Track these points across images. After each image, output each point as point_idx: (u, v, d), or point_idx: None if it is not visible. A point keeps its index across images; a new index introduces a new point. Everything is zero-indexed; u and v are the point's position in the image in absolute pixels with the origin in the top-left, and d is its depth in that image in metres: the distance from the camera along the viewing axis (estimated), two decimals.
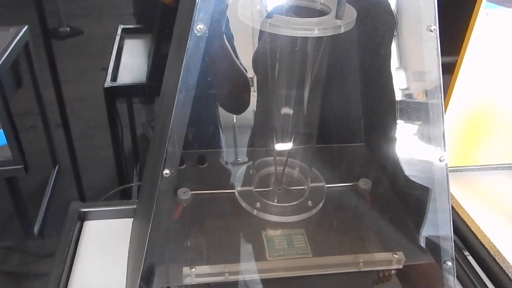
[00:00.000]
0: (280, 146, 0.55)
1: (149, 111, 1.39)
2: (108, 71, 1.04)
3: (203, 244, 0.50)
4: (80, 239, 0.64)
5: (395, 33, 0.48)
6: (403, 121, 0.52)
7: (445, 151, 0.46)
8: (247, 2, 0.43)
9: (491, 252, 0.62)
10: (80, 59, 1.73)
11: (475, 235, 0.66)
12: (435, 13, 0.40)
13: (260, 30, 0.43)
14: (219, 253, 0.49)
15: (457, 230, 0.67)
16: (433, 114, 0.45)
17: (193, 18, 0.36)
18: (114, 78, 1.02)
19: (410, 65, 0.48)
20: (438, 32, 0.41)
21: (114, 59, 1.07)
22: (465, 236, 0.67)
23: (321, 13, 0.45)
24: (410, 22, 0.46)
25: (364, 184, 0.59)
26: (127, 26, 1.18)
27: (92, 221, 0.68)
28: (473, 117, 0.75)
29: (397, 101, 0.53)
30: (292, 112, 0.51)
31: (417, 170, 0.51)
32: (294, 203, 0.55)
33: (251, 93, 0.59)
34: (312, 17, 0.43)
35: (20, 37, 1.05)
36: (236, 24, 0.50)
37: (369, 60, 0.55)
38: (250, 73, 0.58)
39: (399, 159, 0.52)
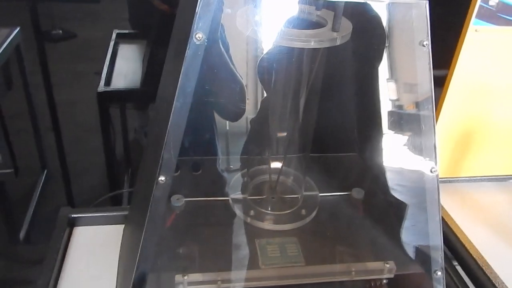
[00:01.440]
0: (274, 155, 0.55)
1: (142, 117, 1.38)
2: (102, 75, 1.03)
3: (196, 252, 0.49)
4: (69, 245, 0.63)
5: (386, 46, 0.49)
6: (395, 132, 0.53)
7: (436, 162, 0.47)
8: (245, 12, 0.43)
9: (479, 263, 0.63)
10: (73, 62, 1.71)
11: (464, 245, 0.67)
12: (427, 28, 0.41)
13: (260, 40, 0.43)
14: (212, 261, 0.49)
15: (446, 240, 0.68)
16: (425, 125, 0.46)
17: (192, 26, 0.36)
18: (107, 83, 1.02)
19: (402, 78, 0.49)
20: (430, 47, 0.42)
21: (108, 64, 1.07)
22: (454, 246, 0.68)
23: (317, 25, 0.46)
24: (402, 36, 0.47)
25: (357, 193, 0.59)
26: (122, 31, 1.17)
27: (82, 227, 0.67)
28: (463, 129, 0.77)
29: (388, 112, 0.54)
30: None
31: (408, 181, 0.51)
32: (288, 211, 0.55)
33: (246, 101, 0.60)
34: (309, 29, 0.44)
35: (11, 38, 1.04)
36: (232, 33, 0.51)
37: (363, 72, 0.56)
38: (245, 81, 0.59)
39: (391, 169, 0.53)
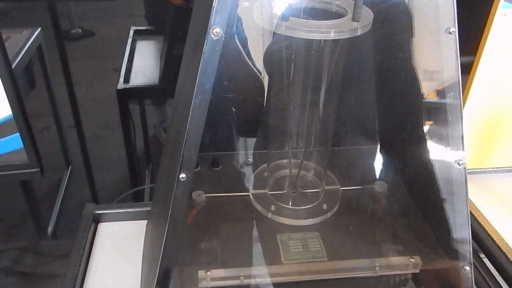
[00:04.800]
0: (295, 149, 0.55)
1: (161, 113, 1.40)
2: (121, 73, 1.04)
3: (218, 248, 0.49)
4: (94, 240, 0.65)
5: (409, 34, 0.47)
6: (420, 123, 0.51)
7: (463, 154, 0.45)
8: (262, 5, 0.43)
9: (509, 256, 0.61)
10: (92, 60, 1.74)
11: (492, 238, 0.65)
12: (454, 14, 0.40)
13: (274, 32, 0.42)
14: (234, 257, 0.49)
15: (473, 233, 0.66)
16: (452, 115, 0.44)
17: (209, 22, 0.36)
18: (126, 80, 1.03)
19: (427, 67, 0.47)
20: (457, 34, 0.40)
21: (126, 61, 1.08)
22: (481, 239, 0.66)
23: (337, 15, 0.44)
24: (427, 23, 0.45)
25: (379, 187, 0.58)
26: (139, 28, 1.18)
27: (106, 223, 0.68)
28: (489, 118, 0.74)
29: (413, 103, 0.53)
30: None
31: (434, 173, 0.50)
32: (309, 206, 0.54)
33: (265, 96, 0.59)
34: (328, 20, 0.43)
35: (34, 39, 1.06)
36: (251, 27, 0.50)
37: (384, 62, 0.54)
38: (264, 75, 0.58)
39: (416, 161, 0.52)
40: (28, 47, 1.03)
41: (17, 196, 1.19)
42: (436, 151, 0.48)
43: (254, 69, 0.56)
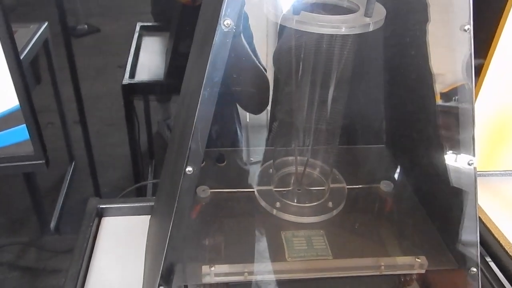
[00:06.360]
0: (301, 146, 0.54)
1: (165, 110, 1.40)
2: (126, 68, 1.04)
3: (222, 243, 0.49)
4: (97, 235, 0.65)
5: (421, 32, 0.47)
6: (429, 123, 0.51)
7: (474, 155, 0.44)
8: None
9: None
10: (98, 56, 1.74)
11: (499, 242, 0.64)
12: (469, 12, 0.39)
13: (284, 27, 0.42)
14: (238, 253, 0.49)
15: (479, 237, 0.65)
16: (463, 116, 0.44)
17: (221, 13, 0.35)
18: (132, 75, 1.03)
19: (440, 65, 0.47)
20: (472, 32, 0.39)
21: (132, 57, 1.08)
22: (488, 242, 0.65)
23: (349, 10, 0.44)
24: (440, 21, 0.45)
25: (385, 186, 0.58)
26: (145, 24, 1.18)
27: (110, 217, 0.68)
28: (498, 121, 0.73)
29: (422, 102, 0.52)
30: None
31: (442, 174, 0.49)
32: (314, 203, 0.54)
33: (270, 92, 0.59)
34: (339, 15, 0.42)
35: (40, 33, 1.06)
36: (257, 23, 0.50)
37: (394, 60, 0.53)
38: (271, 71, 0.58)
39: (424, 161, 0.51)
40: (35, 41, 1.03)
41: (20, 191, 1.19)
42: (445, 151, 0.48)
43: (260, 65, 0.56)
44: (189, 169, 0.40)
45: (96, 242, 0.63)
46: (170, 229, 0.43)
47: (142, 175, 1.25)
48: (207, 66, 0.37)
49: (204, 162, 0.60)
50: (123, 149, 1.18)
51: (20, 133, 0.66)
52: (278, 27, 0.47)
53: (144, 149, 1.31)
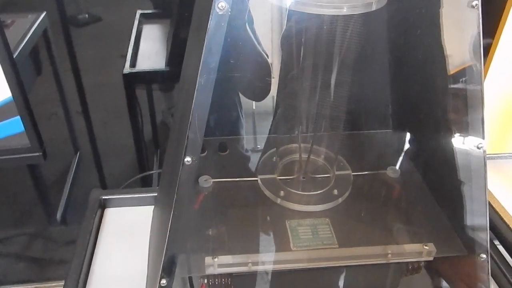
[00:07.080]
0: (305, 133, 0.53)
1: (168, 98, 1.38)
2: (127, 57, 1.03)
3: (226, 234, 0.48)
4: (101, 226, 0.64)
5: (427, 10, 0.44)
6: (437, 106, 0.49)
7: (483, 137, 0.43)
8: None
9: None
10: (100, 46, 1.72)
11: (509, 226, 0.63)
12: None
13: (289, 11, 0.40)
14: (242, 243, 0.48)
15: (489, 221, 0.64)
16: (472, 97, 0.42)
17: None
18: (133, 65, 1.02)
19: (446, 45, 0.45)
20: (480, 8, 0.37)
21: (132, 45, 1.06)
22: (497, 226, 0.64)
23: None
24: None
25: (392, 172, 0.56)
26: (145, 11, 1.16)
27: (113, 208, 0.68)
28: (508, 102, 0.71)
29: (429, 84, 0.50)
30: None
31: (450, 157, 0.48)
32: (319, 191, 0.53)
33: (271, 78, 0.57)
34: None
35: (39, 23, 1.05)
36: (257, 6, 0.48)
37: (399, 41, 0.51)
38: (271, 56, 0.56)
39: (432, 145, 0.49)
40: (33, 31, 1.02)
41: (26, 183, 1.20)
42: (453, 135, 0.46)
43: (261, 50, 0.54)
44: (187, 159, 0.39)
45: (99, 233, 0.63)
46: (171, 219, 0.42)
47: (147, 165, 1.24)
48: (203, 51, 0.35)
49: (206, 152, 0.59)
50: (128, 139, 1.18)
51: (15, 125, 0.65)
52: (287, 11, 0.44)
53: (148, 139, 1.30)
